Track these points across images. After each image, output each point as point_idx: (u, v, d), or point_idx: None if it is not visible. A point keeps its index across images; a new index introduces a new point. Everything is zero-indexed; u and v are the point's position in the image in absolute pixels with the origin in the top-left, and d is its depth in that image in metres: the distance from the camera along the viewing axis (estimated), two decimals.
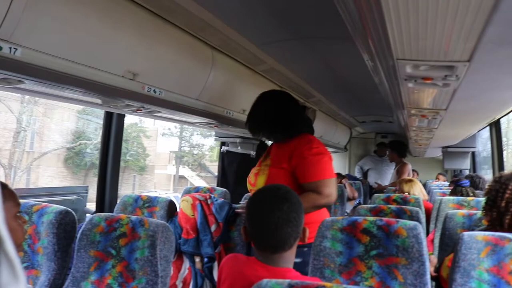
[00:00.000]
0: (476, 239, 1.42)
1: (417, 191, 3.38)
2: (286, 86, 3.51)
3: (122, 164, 6.24)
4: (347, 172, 6.62)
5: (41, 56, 1.37)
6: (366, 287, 1.55)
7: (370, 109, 5.30)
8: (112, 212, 2.54)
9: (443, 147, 5.62)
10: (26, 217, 1.77)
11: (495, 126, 4.12)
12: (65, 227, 1.75)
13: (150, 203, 2.47)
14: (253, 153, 4.02)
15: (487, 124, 4.04)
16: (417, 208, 2.40)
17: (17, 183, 15.48)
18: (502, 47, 1.40)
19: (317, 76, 3.47)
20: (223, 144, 4.19)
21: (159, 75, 1.96)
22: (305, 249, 1.82)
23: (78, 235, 1.73)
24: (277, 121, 2.02)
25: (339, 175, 5.14)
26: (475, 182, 3.54)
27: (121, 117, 2.68)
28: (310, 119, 2.25)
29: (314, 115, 2.83)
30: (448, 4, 1.10)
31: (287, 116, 2.03)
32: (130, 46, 1.72)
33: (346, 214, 4.35)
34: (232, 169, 4.18)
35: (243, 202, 2.74)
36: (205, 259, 2.21)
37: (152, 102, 1.97)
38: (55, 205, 1.80)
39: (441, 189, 4.32)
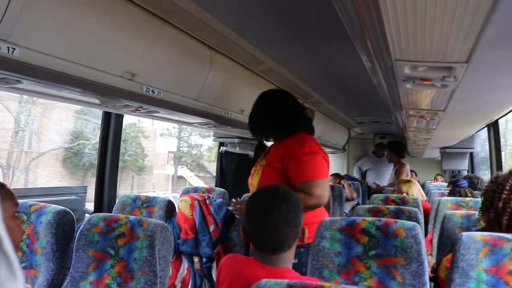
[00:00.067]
0: (475, 240, 1.42)
1: (416, 191, 3.39)
2: (285, 87, 3.50)
3: (120, 164, 6.24)
4: (345, 173, 6.63)
5: (39, 56, 1.36)
6: (365, 287, 1.55)
7: (368, 110, 5.31)
8: (111, 212, 2.54)
9: (441, 148, 5.63)
10: (25, 217, 1.77)
11: (493, 127, 4.12)
12: (64, 227, 1.75)
13: (148, 203, 2.47)
14: (251, 153, 4.02)
15: (485, 125, 4.05)
16: (416, 209, 2.41)
17: (15, 183, 15.45)
18: (500, 48, 1.40)
19: (316, 76, 3.48)
20: (221, 144, 4.19)
21: (157, 75, 1.96)
22: (302, 249, 1.81)
23: (77, 235, 1.73)
24: (276, 120, 2.00)
25: (338, 175, 5.16)
26: (473, 183, 3.54)
27: (120, 117, 2.68)
28: (310, 118, 2.22)
29: (313, 115, 2.83)
30: (446, 5, 1.10)
31: (285, 115, 2.01)
32: (129, 46, 1.72)
33: (344, 214, 4.35)
34: (230, 170, 4.18)
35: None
36: (204, 259, 2.21)
37: (151, 102, 1.97)
38: (53, 205, 1.80)
39: (439, 189, 4.33)
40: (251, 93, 2.20)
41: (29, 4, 1.25)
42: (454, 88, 1.97)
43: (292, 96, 2.09)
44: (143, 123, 20.92)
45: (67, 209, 1.79)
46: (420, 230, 1.57)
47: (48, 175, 16.84)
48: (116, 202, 2.56)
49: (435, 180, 6.63)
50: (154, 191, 17.95)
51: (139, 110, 2.08)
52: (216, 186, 3.92)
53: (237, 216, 2.21)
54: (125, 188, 19.20)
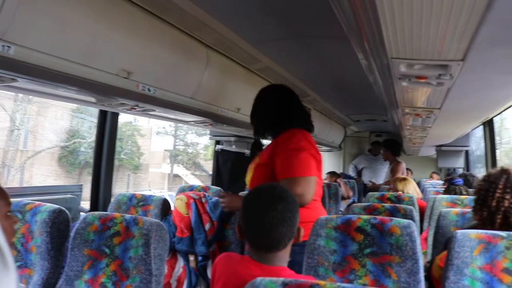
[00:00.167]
0: (469, 237, 1.43)
1: (411, 189, 3.40)
2: None
3: (116, 162, 6.21)
4: (341, 171, 6.64)
5: (35, 54, 1.35)
6: (360, 285, 1.55)
7: (364, 108, 5.32)
8: (106, 210, 2.53)
9: (437, 146, 5.65)
10: (20, 216, 1.76)
11: (489, 125, 4.15)
12: (59, 226, 1.74)
13: (144, 201, 2.46)
14: (247, 151, 4.02)
15: (480, 123, 4.07)
16: (411, 207, 2.41)
17: (10, 182, 15.40)
18: (496, 47, 1.41)
19: (312, 75, 3.48)
20: (217, 142, 4.19)
21: (153, 73, 1.95)
22: (296, 248, 1.80)
23: (72, 234, 1.72)
24: (279, 116, 1.97)
25: (334, 173, 5.17)
26: (468, 181, 3.56)
27: (115, 116, 2.67)
28: (308, 114, 2.16)
29: (309, 114, 2.82)
30: (442, 4, 1.11)
31: (283, 111, 1.98)
32: (125, 44, 1.71)
33: (340, 212, 4.36)
34: (226, 168, 4.18)
35: None
36: (199, 258, 2.21)
37: (146, 101, 1.96)
38: (48, 204, 1.79)
39: (434, 187, 4.34)
40: (247, 92, 2.19)
41: (25, 3, 1.24)
42: (449, 86, 1.97)
43: (287, 92, 2.07)
44: (139, 122, 20.92)
45: (62, 208, 1.78)
46: (415, 228, 1.58)
47: (44, 173, 16.80)
48: (112, 201, 2.55)
49: (431, 178, 6.66)
50: (150, 190, 17.93)
51: (135, 109, 2.07)
52: (212, 184, 3.92)
53: (224, 210, 2.17)
54: (121, 187, 19.18)
